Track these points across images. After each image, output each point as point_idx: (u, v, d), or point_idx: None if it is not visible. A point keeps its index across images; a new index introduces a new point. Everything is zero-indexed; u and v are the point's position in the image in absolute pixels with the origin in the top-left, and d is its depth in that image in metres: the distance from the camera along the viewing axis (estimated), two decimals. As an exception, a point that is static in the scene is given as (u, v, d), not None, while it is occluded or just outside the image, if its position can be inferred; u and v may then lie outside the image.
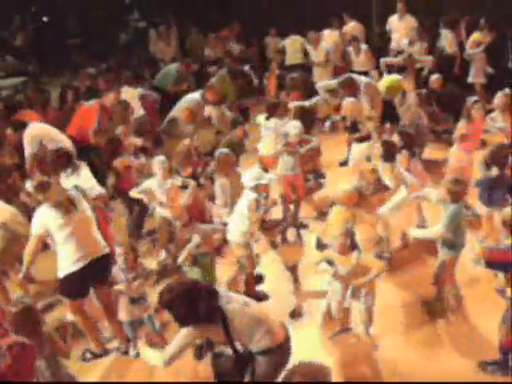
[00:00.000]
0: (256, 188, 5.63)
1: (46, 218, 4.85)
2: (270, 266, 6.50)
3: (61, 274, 4.97)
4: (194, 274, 5.23)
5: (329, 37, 11.63)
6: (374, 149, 6.43)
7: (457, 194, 5.07)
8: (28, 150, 7.36)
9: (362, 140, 7.56)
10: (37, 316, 4.06)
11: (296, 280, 6.23)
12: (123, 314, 5.05)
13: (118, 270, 5.06)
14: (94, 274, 5.02)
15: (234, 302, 3.92)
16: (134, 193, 6.42)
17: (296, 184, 7.00)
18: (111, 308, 5.27)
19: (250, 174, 5.83)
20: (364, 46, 11.07)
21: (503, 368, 4.59)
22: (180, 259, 5.40)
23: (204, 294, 3.79)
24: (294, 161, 6.86)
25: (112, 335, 5.47)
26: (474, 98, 7.13)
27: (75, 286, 5.00)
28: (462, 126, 7.01)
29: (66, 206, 4.89)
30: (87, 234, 5.02)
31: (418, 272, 6.04)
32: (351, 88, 8.20)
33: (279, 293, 5.98)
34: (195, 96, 8.58)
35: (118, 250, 5.02)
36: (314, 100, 8.66)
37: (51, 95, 10.47)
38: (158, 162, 6.38)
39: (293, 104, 8.27)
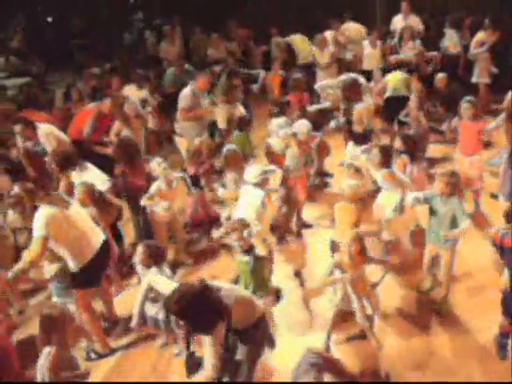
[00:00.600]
0: (262, 183, 5.66)
1: (49, 217, 4.83)
2: (278, 268, 6.41)
3: (73, 269, 5.02)
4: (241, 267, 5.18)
5: (329, 38, 11.61)
6: (371, 156, 6.34)
7: (455, 185, 5.14)
8: (49, 148, 7.45)
9: (359, 141, 7.44)
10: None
11: (302, 284, 6.19)
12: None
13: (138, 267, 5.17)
14: (101, 260, 5.23)
15: (223, 289, 3.98)
16: (144, 201, 6.31)
17: (301, 185, 6.95)
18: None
19: (253, 170, 5.84)
20: (379, 42, 11.09)
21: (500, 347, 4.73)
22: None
23: (209, 290, 3.79)
24: (300, 162, 6.83)
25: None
26: (468, 97, 7.05)
27: (89, 276, 5.12)
28: (451, 125, 7.05)
29: (62, 202, 5.01)
30: (88, 226, 5.19)
31: (419, 273, 6.02)
32: (355, 91, 8.20)
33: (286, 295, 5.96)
34: (185, 92, 8.41)
35: (140, 249, 5.09)
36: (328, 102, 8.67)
37: (56, 95, 10.54)
38: (157, 163, 6.39)
39: (311, 108, 8.36)
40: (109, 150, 7.69)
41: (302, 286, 6.13)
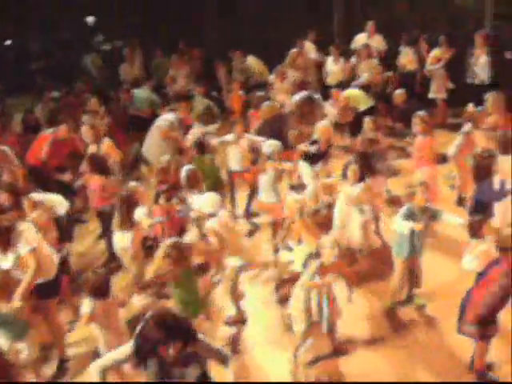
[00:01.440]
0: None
1: (31, 231, 5.11)
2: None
3: (46, 279, 5.23)
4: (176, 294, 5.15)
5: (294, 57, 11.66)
6: (349, 172, 6.40)
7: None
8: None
9: (313, 159, 7.33)
10: None
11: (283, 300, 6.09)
12: None
13: None
14: (59, 275, 5.52)
15: None
16: (146, 225, 6.28)
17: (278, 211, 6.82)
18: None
19: (205, 198, 5.84)
20: (341, 59, 11.25)
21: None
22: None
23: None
24: (276, 186, 6.85)
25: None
26: (419, 113, 7.18)
27: (56, 287, 5.43)
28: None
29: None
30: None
31: (382, 282, 6.14)
32: (308, 109, 8.32)
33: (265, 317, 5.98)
34: (167, 117, 8.45)
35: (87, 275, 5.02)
36: None
37: (13, 119, 10.35)
38: (134, 187, 6.50)
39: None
40: (66, 177, 7.69)
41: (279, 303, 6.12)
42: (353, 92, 9.49)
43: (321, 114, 8.52)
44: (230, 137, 7.79)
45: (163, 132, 8.26)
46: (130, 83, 11.53)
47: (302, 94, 8.77)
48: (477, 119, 7.44)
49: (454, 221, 5.36)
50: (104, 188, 6.87)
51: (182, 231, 6.91)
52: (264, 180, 6.90)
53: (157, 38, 14.24)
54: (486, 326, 4.50)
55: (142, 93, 10.69)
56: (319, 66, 11.82)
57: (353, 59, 11.19)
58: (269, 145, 7.01)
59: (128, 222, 6.03)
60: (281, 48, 11.72)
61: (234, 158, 7.77)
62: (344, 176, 6.47)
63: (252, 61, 12.05)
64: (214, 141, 7.93)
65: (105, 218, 6.99)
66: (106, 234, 7.03)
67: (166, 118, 8.45)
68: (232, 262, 5.62)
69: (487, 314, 4.45)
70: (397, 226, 5.40)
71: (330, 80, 11.33)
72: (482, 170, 6.29)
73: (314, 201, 6.76)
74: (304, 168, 7.24)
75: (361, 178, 6.31)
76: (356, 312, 5.74)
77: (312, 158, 7.34)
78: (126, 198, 6.17)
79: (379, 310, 5.79)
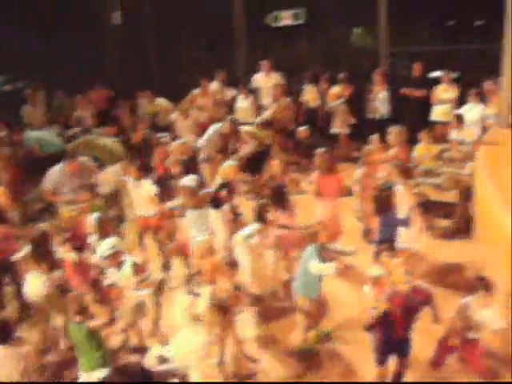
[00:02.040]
0: (110, 257, 5.53)
1: None
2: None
3: None
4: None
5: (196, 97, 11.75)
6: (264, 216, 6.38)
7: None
8: None
9: (220, 202, 7.12)
10: None
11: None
12: None
13: None
14: None
15: None
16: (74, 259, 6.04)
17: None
18: None
19: (106, 243, 5.69)
20: (251, 96, 11.46)
21: None
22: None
23: None
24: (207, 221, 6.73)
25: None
26: (319, 149, 7.39)
27: None
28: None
29: None
30: None
31: (285, 322, 6.13)
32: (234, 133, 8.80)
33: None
34: (53, 172, 7.94)
35: None
36: None
37: None
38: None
39: None
40: None
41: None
42: (251, 129, 9.68)
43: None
44: (129, 179, 7.48)
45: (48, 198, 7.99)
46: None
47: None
48: (366, 156, 7.75)
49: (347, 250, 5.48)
50: (4, 239, 6.52)
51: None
52: (195, 215, 6.74)
53: (59, 76, 13.90)
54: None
55: (34, 133, 10.36)
56: (229, 105, 11.94)
57: (268, 100, 11.45)
58: (190, 179, 6.92)
59: (43, 265, 5.76)
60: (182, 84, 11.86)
61: (137, 201, 7.44)
62: (261, 220, 6.30)
63: (162, 102, 11.98)
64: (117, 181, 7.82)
65: (4, 269, 6.64)
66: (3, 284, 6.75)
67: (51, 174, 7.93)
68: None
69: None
70: (316, 269, 5.22)
71: (238, 116, 11.45)
72: (383, 202, 6.54)
73: (225, 249, 6.73)
74: (212, 214, 7.00)
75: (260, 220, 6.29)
76: (269, 350, 5.72)
77: (219, 201, 7.16)
78: (38, 240, 5.94)
79: (292, 346, 5.75)
